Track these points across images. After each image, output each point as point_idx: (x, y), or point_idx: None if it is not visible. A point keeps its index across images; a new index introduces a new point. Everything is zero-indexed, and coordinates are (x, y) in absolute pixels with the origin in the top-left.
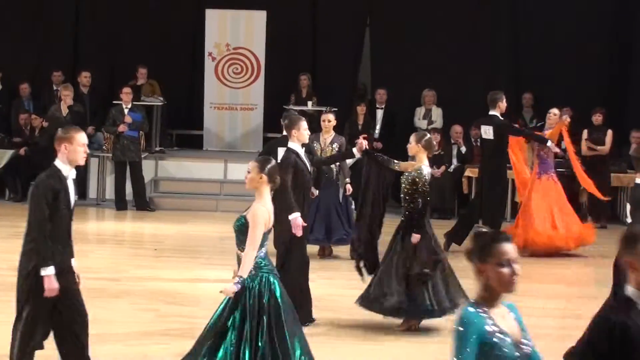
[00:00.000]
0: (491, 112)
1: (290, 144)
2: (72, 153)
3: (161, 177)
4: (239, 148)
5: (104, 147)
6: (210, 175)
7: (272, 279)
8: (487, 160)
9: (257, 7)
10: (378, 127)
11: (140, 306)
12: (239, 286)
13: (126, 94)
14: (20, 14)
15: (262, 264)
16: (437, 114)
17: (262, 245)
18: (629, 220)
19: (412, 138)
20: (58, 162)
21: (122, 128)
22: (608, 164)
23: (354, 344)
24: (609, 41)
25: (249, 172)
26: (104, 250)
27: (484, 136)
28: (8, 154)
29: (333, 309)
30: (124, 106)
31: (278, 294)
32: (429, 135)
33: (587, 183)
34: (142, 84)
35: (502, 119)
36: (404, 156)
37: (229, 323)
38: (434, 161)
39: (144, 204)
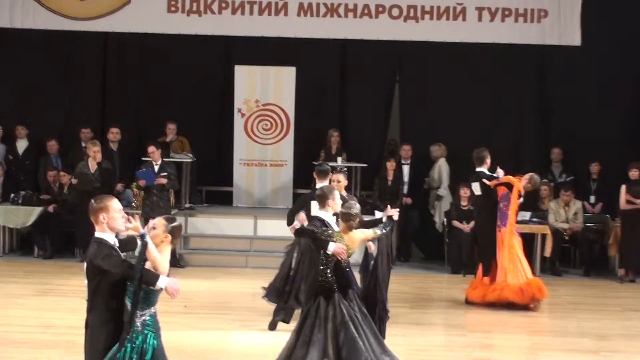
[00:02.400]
0: (478, 169)
1: (321, 213)
2: (112, 221)
3: (191, 233)
4: (268, 204)
5: (133, 204)
6: (239, 231)
7: (155, 341)
8: (477, 215)
9: (286, 63)
10: (406, 182)
11: None
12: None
13: (152, 153)
14: (48, 70)
15: (148, 322)
16: (438, 170)
17: (152, 304)
18: None
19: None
20: (99, 234)
21: (141, 183)
22: None
23: None
24: (638, 94)
25: (154, 227)
26: None
27: (475, 193)
28: (37, 211)
29: None
30: (153, 163)
31: (150, 354)
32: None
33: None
34: (172, 141)
35: (487, 173)
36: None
37: None
38: (463, 216)
39: (173, 260)
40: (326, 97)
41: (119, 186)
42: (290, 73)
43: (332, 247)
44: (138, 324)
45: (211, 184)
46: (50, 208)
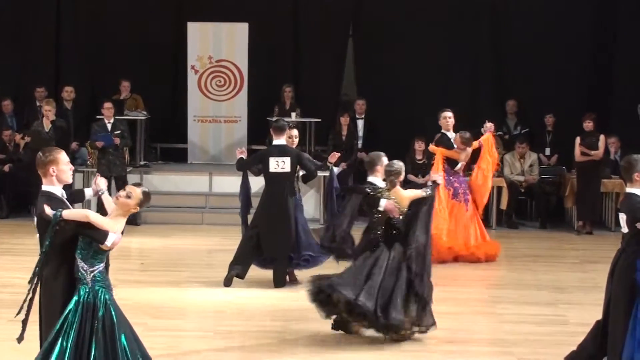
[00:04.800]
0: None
1: (372, 179)
2: (61, 173)
3: None
4: (223, 160)
5: (88, 162)
6: (195, 188)
7: (107, 296)
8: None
9: (238, 19)
10: (360, 137)
11: (129, 320)
12: (52, 214)
13: (108, 109)
14: (0, 30)
15: (98, 278)
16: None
17: (101, 260)
18: (625, 230)
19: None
20: (47, 187)
21: (99, 144)
22: (600, 169)
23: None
24: (592, 46)
25: (128, 196)
26: None
27: None
28: None
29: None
30: (106, 121)
31: (113, 310)
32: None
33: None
34: (126, 98)
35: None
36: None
37: (63, 329)
38: (418, 170)
39: (130, 218)
40: (279, 52)
41: (74, 145)
42: (242, 29)
43: (383, 204)
44: (88, 279)
45: (165, 141)
46: (6, 167)
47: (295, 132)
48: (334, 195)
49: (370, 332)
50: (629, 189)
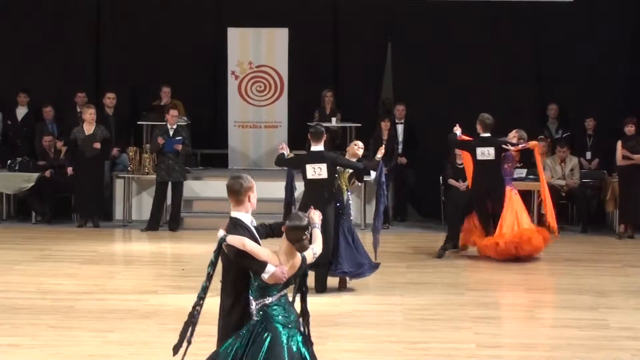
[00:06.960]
0: (486, 134)
1: None
2: (254, 199)
3: (187, 197)
4: (264, 166)
5: (129, 168)
6: None
7: (266, 333)
8: (486, 177)
9: (278, 25)
10: (400, 142)
11: (169, 326)
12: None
13: (173, 116)
14: (41, 37)
15: (262, 313)
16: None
17: (269, 295)
18: None
19: None
20: (238, 214)
21: (160, 140)
22: None
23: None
24: (633, 50)
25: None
26: (131, 271)
27: (485, 158)
28: (33, 177)
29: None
30: (169, 126)
31: (265, 344)
32: None
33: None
34: (166, 104)
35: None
36: (425, 170)
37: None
38: (459, 175)
39: (175, 224)
40: (319, 57)
41: (115, 151)
42: (282, 34)
43: None
44: (253, 313)
45: (206, 146)
46: (47, 173)
47: (359, 143)
48: (384, 189)
49: None
50: None
